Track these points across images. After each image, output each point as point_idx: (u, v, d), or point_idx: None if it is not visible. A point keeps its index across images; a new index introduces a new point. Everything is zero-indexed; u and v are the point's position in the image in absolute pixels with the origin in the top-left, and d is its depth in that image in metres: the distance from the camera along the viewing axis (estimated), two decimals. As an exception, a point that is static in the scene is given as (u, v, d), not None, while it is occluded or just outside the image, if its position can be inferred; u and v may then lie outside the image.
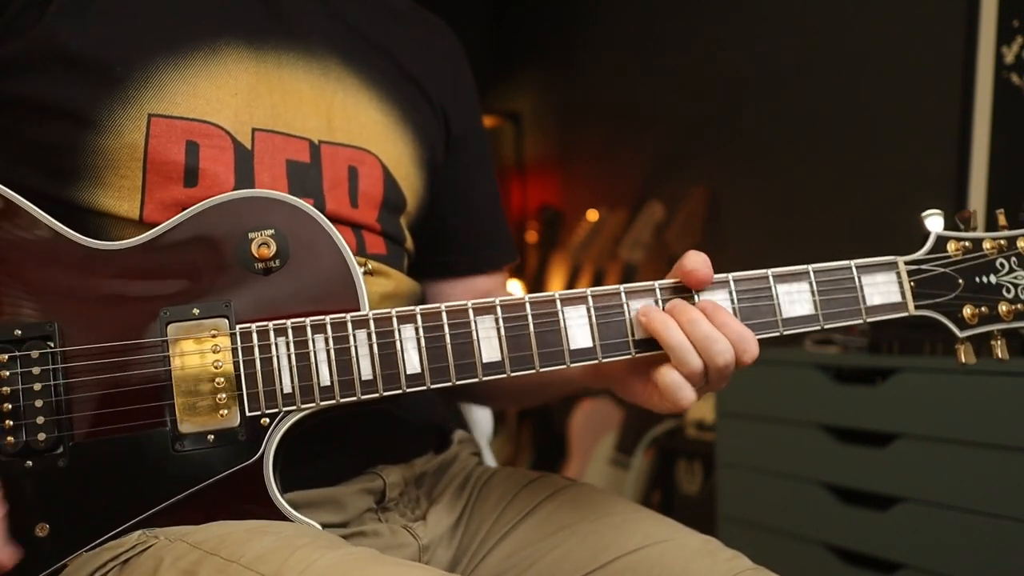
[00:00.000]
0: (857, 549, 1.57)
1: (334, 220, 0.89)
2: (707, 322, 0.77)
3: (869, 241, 2.18)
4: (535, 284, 3.81)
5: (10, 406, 0.73)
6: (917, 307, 0.83)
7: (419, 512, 0.93)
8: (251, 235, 0.77)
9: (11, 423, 0.73)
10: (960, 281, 0.83)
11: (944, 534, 1.41)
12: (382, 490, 0.90)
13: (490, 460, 1.15)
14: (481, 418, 1.28)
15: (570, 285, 3.37)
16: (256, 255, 0.77)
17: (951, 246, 0.84)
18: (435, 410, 1.03)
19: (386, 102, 0.97)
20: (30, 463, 0.73)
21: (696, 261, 0.79)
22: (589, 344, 0.79)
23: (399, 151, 0.97)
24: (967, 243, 0.84)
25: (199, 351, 0.75)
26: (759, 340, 0.79)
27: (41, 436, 0.73)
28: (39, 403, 0.73)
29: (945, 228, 0.85)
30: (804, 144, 2.47)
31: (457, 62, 1.11)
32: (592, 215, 3.31)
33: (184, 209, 0.81)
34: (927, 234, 0.85)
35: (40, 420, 0.73)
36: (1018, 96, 1.74)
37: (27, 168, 0.81)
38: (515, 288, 3.85)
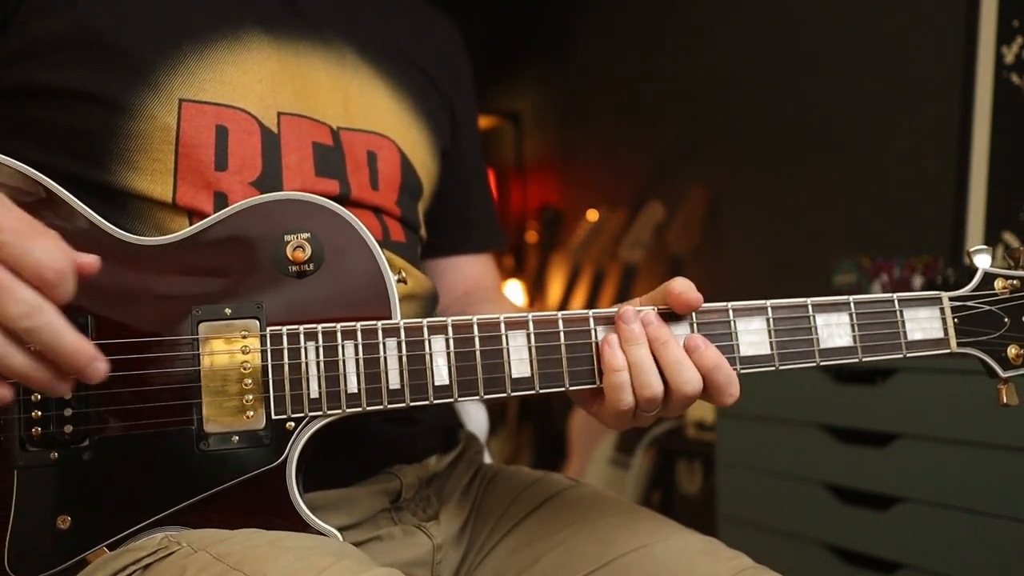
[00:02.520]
0: (857, 549, 1.58)
1: (357, 204, 0.90)
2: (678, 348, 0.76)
3: (869, 241, 2.19)
4: (535, 284, 3.81)
5: (39, 396, 0.73)
6: (959, 344, 0.81)
7: (431, 511, 0.93)
8: (287, 238, 0.77)
9: (39, 413, 0.73)
10: (1006, 320, 0.81)
11: (944, 534, 1.42)
12: (398, 490, 0.90)
13: (488, 459, 1.16)
14: (478, 418, 1.28)
15: (570, 286, 3.37)
16: (291, 258, 0.77)
17: (998, 283, 0.82)
18: (442, 409, 1.04)
19: (399, 91, 0.99)
20: (55, 454, 0.73)
21: (684, 284, 0.77)
22: None
23: (414, 137, 0.99)
24: (1015, 281, 0.82)
25: (228, 351, 0.75)
26: (796, 369, 0.80)
27: (68, 428, 0.73)
28: (67, 395, 0.72)
29: (993, 265, 0.83)
30: (804, 144, 2.48)
31: (458, 49, 1.14)
32: (592, 215, 3.32)
33: (215, 192, 0.82)
34: (974, 270, 0.83)
35: (67, 412, 0.73)
36: (1018, 96, 1.74)
37: (60, 154, 0.82)
38: (515, 288, 3.85)
